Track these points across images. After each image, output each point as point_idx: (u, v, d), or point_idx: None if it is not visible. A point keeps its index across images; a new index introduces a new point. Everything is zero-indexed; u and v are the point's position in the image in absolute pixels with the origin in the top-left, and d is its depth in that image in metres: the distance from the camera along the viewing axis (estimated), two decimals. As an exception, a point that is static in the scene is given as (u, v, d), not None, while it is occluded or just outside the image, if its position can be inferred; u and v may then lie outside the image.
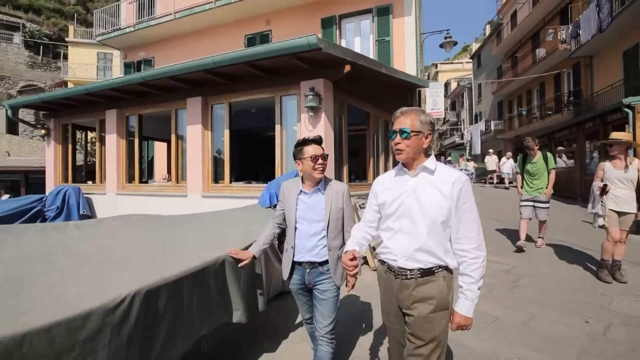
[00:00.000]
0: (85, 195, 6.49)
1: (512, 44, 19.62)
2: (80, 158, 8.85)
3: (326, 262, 1.97)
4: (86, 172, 7.68)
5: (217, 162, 5.44)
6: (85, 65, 23.13)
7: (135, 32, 11.61)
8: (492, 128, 22.18)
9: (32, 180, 15.58)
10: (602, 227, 3.77)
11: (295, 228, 2.01)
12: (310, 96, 4.34)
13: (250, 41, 10.33)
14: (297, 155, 2.00)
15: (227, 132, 5.26)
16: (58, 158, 7.20)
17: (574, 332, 2.73)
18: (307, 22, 9.49)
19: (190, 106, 5.41)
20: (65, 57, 29.58)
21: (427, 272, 1.44)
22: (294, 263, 2.03)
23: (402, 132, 1.46)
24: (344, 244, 1.99)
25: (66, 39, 24.03)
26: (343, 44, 9.11)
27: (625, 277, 3.74)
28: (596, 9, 11.47)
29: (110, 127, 6.32)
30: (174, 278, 1.74)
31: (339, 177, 5.01)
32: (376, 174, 6.64)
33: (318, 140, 2.02)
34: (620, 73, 11.56)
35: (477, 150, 20.91)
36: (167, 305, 1.73)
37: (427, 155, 1.52)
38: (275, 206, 3.79)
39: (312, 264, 1.98)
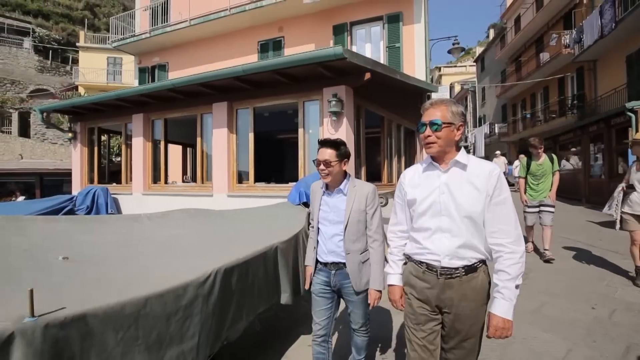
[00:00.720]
0: (112, 196, 6.83)
1: (516, 48, 19.93)
2: (104, 160, 9.21)
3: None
4: (109, 174, 8.01)
5: (241, 164, 5.75)
6: (96, 69, 23.61)
7: (150, 38, 11.99)
8: (497, 131, 22.45)
9: (47, 182, 15.98)
10: (622, 229, 3.73)
11: (318, 229, 2.03)
12: (334, 102, 4.67)
13: (263, 47, 10.69)
14: None
15: (251, 136, 5.59)
16: (84, 160, 7.56)
17: (582, 317, 3.02)
18: (319, 28, 9.83)
19: (216, 111, 5.74)
20: (75, 61, 30.19)
21: (470, 269, 1.39)
22: (317, 262, 2.05)
23: (432, 124, 1.38)
24: (366, 249, 1.95)
25: (77, 44, 24.55)
26: (354, 49, 9.45)
27: None
28: (598, 15, 11.79)
29: (137, 131, 6.66)
30: (243, 260, 2.05)
31: (357, 177, 5.32)
32: (389, 175, 6.95)
33: (329, 143, 1.96)
34: (624, 77, 11.83)
35: (481, 152, 21.20)
36: (237, 283, 2.04)
37: (458, 149, 1.44)
38: (304, 203, 4.10)
39: (337, 265, 1.96)
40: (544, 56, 16.37)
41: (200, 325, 1.73)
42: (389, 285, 1.63)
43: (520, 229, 1.38)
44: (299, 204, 4.10)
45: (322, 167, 1.93)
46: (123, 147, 7.17)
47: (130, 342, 1.42)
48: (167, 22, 12.14)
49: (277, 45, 10.48)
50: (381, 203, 5.30)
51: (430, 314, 1.47)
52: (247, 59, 10.82)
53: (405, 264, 1.60)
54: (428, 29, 8.93)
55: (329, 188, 2.02)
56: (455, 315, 1.41)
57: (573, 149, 12.13)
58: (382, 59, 9.02)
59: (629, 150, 7.00)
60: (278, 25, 10.43)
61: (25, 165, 16.86)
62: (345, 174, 2.02)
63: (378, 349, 2.59)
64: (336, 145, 1.95)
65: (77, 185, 7.51)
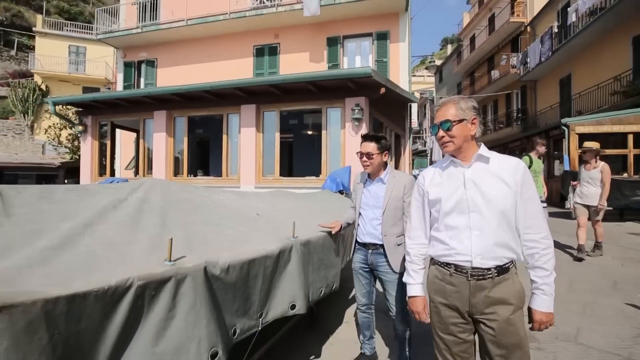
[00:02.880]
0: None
1: (471, 64, 22.48)
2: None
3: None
4: (121, 166, 8.24)
5: (267, 159, 6.55)
6: (55, 57, 22.05)
7: (140, 33, 11.98)
8: (453, 137, 24.96)
9: (8, 178, 14.95)
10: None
11: (360, 213, 2.24)
12: (357, 110, 5.70)
13: (259, 51, 11.37)
14: None
15: (277, 135, 6.42)
16: (94, 153, 7.75)
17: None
18: (314, 39, 10.78)
19: (245, 112, 6.48)
20: (24, 46, 27.69)
21: (503, 270, 1.30)
22: (357, 243, 2.27)
23: (443, 124, 1.37)
24: (402, 234, 2.09)
25: (34, 28, 22.74)
26: (345, 61, 10.56)
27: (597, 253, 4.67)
28: (539, 44, 14.19)
29: (159, 127, 7.12)
30: (318, 235, 2.34)
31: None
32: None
33: (371, 137, 2.16)
34: (558, 96, 14.33)
35: (437, 157, 23.58)
36: (311, 254, 2.23)
37: (478, 144, 1.42)
38: (340, 192, 5.07)
39: (375, 246, 2.15)
40: (495, 74, 18.85)
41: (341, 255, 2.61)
42: (410, 297, 1.53)
43: (547, 223, 1.36)
44: (336, 192, 5.07)
45: (364, 159, 2.13)
46: (141, 141, 7.52)
47: (306, 264, 2.04)
48: (157, 18, 12.26)
49: (272, 50, 11.23)
50: None
51: (461, 322, 1.36)
52: (242, 62, 11.44)
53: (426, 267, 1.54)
54: (410, 47, 10.31)
55: (371, 176, 2.23)
56: (492, 323, 1.29)
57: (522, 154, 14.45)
58: (370, 70, 10.23)
59: (565, 156, 8.95)
60: (274, 32, 11.17)
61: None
62: (385, 165, 2.20)
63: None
64: (377, 139, 2.15)
65: (87, 178, 7.68)
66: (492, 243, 1.29)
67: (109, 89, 16.93)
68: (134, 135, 9.66)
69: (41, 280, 1.04)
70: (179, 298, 1.33)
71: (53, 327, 0.97)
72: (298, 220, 2.32)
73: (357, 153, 2.17)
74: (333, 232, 2.37)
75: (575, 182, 4.73)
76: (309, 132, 9.74)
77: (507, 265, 1.30)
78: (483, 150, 1.39)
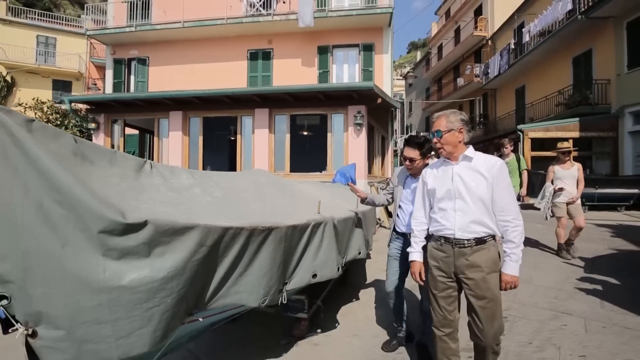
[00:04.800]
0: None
1: (438, 71, 24.46)
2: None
3: None
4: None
5: (277, 156, 7.46)
6: (20, 47, 21.01)
7: (131, 30, 12.17)
8: (422, 138, 26.92)
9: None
10: (553, 216, 4.69)
11: (399, 206, 2.46)
12: (359, 116, 6.79)
13: (253, 55, 12.09)
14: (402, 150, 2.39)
15: (288, 136, 7.35)
16: (106, 149, 8.19)
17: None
18: (305, 46, 11.71)
19: (258, 115, 7.34)
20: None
21: (480, 241, 1.68)
22: (395, 232, 2.49)
23: (436, 133, 1.76)
24: None
25: (-4, 15, 21.46)
26: (334, 68, 11.62)
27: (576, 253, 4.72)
28: (499, 57, 16.15)
29: (175, 126, 7.76)
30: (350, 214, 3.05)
31: (370, 169, 7.54)
32: (378, 169, 9.30)
33: (414, 143, 2.28)
34: (514, 104, 16.38)
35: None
36: (344, 229, 2.76)
37: (467, 146, 1.76)
38: (348, 184, 6.11)
39: None
40: (460, 81, 20.84)
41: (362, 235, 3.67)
42: (411, 262, 1.93)
43: (518, 207, 1.73)
44: (345, 184, 6.12)
45: (407, 163, 2.31)
46: (156, 139, 8.08)
47: (351, 233, 3.16)
48: (148, 17, 12.53)
49: (266, 55, 12.01)
50: (383, 187, 7.75)
51: (447, 281, 1.76)
52: (235, 64, 12.10)
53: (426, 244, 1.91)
54: (392, 58, 11.57)
55: (412, 175, 2.42)
56: (470, 280, 1.68)
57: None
58: (357, 78, 11.36)
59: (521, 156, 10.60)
60: (268, 38, 11.94)
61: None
62: (425, 166, 2.28)
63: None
64: (420, 145, 2.28)
65: (99, 172, 8.09)
66: (469, 221, 1.69)
67: (95, 84, 16.67)
68: (135, 132, 10.08)
69: (280, 219, 2.01)
70: (325, 233, 2.35)
71: (289, 240, 1.97)
72: (345, 201, 3.37)
73: (401, 156, 2.41)
74: (361, 197, 2.76)
75: (557, 188, 4.67)
76: (306, 133, 10.71)
77: (484, 238, 1.69)
78: (469, 151, 1.76)
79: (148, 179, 1.85)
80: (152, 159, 8.40)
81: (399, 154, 26.91)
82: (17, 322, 1.37)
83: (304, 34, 11.64)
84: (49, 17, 23.69)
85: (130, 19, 12.67)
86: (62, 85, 22.09)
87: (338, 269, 2.46)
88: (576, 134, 10.75)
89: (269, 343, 2.72)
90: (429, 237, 1.93)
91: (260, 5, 11.40)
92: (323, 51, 11.61)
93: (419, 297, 2.56)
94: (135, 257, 1.43)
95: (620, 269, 4.23)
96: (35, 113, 15.45)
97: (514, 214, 1.67)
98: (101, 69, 22.01)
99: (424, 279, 1.89)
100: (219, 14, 11.40)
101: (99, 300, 1.38)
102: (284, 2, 11.06)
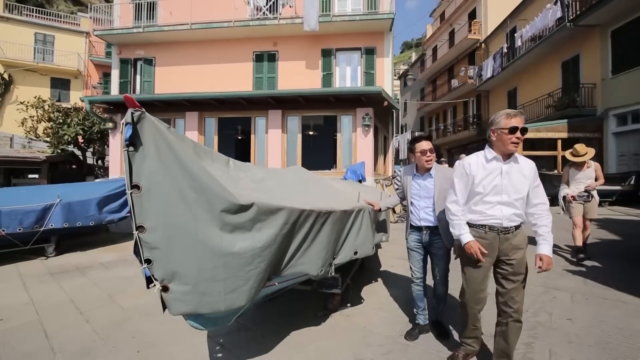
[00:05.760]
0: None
1: (433, 72, 25.11)
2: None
3: (438, 227, 2.48)
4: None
5: (290, 155, 7.94)
6: (19, 45, 20.98)
7: (138, 30, 12.43)
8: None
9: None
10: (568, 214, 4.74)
11: (411, 202, 2.62)
12: (367, 118, 7.31)
13: (258, 57, 12.48)
14: (411, 149, 2.52)
15: (299, 136, 7.83)
16: (123, 147, 8.56)
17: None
18: (309, 49, 12.15)
19: (272, 116, 7.80)
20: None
21: (517, 227, 2.02)
22: (411, 226, 2.65)
23: (523, 130, 1.93)
24: None
25: (-5, 12, 21.37)
26: (337, 71, 12.09)
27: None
28: (492, 60, 16.84)
29: (191, 126, 8.17)
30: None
31: (375, 166, 8.06)
32: (381, 167, 9.82)
33: (426, 137, 2.47)
34: (506, 105, 17.09)
35: (404, 155, 26.04)
36: (375, 216, 3.36)
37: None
38: (359, 181, 6.63)
39: (429, 228, 2.53)
40: (454, 82, 21.49)
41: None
42: (466, 244, 2.04)
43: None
44: (356, 181, 6.63)
45: (428, 154, 2.45)
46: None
47: (370, 223, 3.80)
48: (154, 18, 12.80)
49: (271, 57, 12.42)
50: (388, 184, 8.34)
51: (491, 261, 2.05)
52: (241, 65, 12.49)
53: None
54: (393, 61, 12.11)
55: (419, 171, 2.59)
56: (513, 260, 1.98)
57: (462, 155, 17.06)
58: (359, 81, 11.85)
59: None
60: (273, 41, 12.34)
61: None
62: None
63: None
64: (430, 138, 2.53)
65: (116, 172, 8.47)
66: (512, 213, 1.99)
67: (101, 84, 16.82)
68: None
69: (334, 205, 2.52)
70: (364, 218, 2.86)
71: (340, 222, 2.48)
72: (370, 195, 3.91)
73: (418, 152, 2.46)
74: (375, 209, 2.99)
75: (570, 197, 4.64)
76: (315, 133, 11.18)
77: (519, 225, 2.03)
78: (516, 153, 2.03)
79: (234, 172, 2.34)
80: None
81: (399, 153, 27.13)
82: (155, 279, 1.84)
83: (308, 37, 12.07)
84: (46, 14, 23.60)
85: (137, 19, 12.93)
86: (60, 83, 22.09)
87: (373, 248, 2.97)
88: (565, 135, 11.45)
89: (308, 315, 3.16)
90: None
91: (267, 9, 11.80)
92: (326, 54, 12.07)
93: (431, 284, 2.76)
94: (243, 230, 1.92)
95: (602, 255, 4.84)
96: (37, 111, 15.56)
97: (546, 205, 2.01)
98: (100, 67, 22.15)
99: (485, 252, 2.00)
100: (224, 16, 11.75)
101: (217, 263, 1.87)
102: (290, 7, 11.48)
